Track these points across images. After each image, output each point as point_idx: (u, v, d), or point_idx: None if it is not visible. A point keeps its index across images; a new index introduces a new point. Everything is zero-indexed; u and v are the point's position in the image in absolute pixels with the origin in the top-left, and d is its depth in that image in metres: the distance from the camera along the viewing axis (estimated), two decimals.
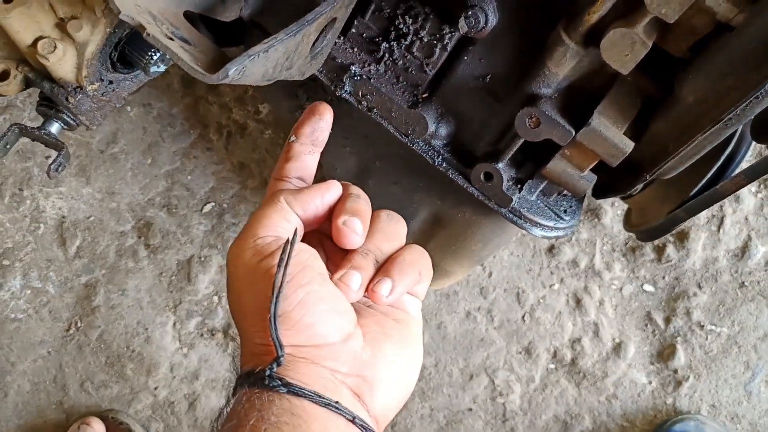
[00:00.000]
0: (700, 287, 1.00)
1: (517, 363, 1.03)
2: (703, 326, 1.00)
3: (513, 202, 0.67)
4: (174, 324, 1.06)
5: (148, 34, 0.44)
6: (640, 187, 0.68)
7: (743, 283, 1.00)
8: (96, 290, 1.06)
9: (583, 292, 1.02)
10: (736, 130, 0.67)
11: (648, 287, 1.02)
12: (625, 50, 0.55)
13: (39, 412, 1.07)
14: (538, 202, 0.70)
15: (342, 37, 0.68)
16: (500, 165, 0.66)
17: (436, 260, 0.80)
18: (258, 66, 0.49)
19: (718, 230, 0.99)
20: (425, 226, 0.78)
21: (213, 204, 1.04)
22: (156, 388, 1.06)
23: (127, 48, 0.68)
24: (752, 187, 0.99)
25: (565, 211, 0.71)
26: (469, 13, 0.60)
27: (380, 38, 0.67)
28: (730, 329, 1.00)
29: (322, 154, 0.82)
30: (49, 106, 0.72)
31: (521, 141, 0.64)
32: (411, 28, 0.65)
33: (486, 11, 0.60)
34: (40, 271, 1.07)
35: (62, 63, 0.62)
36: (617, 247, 1.02)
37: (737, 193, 1.02)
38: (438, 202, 0.75)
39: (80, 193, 1.04)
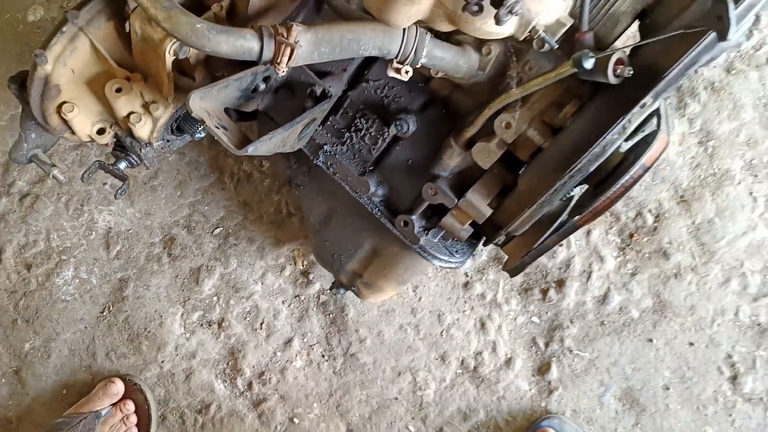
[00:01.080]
0: (572, 322, 1.28)
1: (434, 366, 1.29)
2: (572, 351, 1.28)
3: (421, 242, 0.96)
4: (182, 314, 1.29)
5: (205, 125, 0.75)
6: (503, 238, 0.98)
7: (603, 321, 1.28)
8: (127, 284, 1.29)
9: (487, 318, 1.29)
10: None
11: (535, 319, 1.30)
12: (485, 155, 0.87)
13: (72, 372, 1.28)
14: (439, 243, 0.99)
15: (321, 126, 0.99)
16: (414, 216, 0.95)
17: (374, 279, 1.09)
18: (264, 146, 0.80)
19: (587, 281, 1.28)
20: (367, 255, 1.06)
21: (221, 228, 1.28)
22: (162, 362, 1.28)
23: (182, 122, 0.97)
24: (613, 252, 1.28)
25: (456, 251, 1.01)
26: (398, 122, 0.91)
27: (345, 129, 0.98)
28: (591, 355, 1.27)
29: (302, 201, 1.12)
30: (121, 151, 1.00)
31: (426, 203, 0.94)
32: (364, 126, 0.96)
33: (408, 122, 0.91)
34: (87, 266, 1.29)
35: (142, 128, 0.91)
36: (515, 287, 1.30)
37: (601, 255, 1.31)
38: (376, 239, 1.02)
39: (125, 212, 1.30)
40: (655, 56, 0.72)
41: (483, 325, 1.28)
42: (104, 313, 1.31)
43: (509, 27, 0.67)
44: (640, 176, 0.79)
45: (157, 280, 1.30)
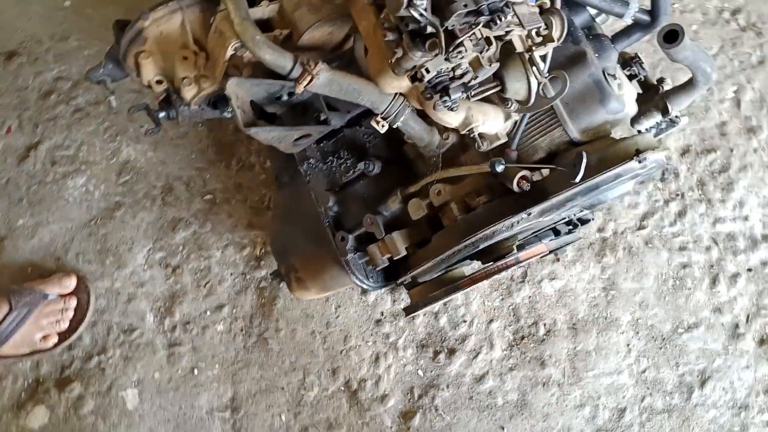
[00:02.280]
0: (447, 387, 1.43)
1: (324, 376, 1.41)
2: (437, 410, 1.40)
3: (348, 257, 1.16)
4: (149, 249, 1.43)
5: (230, 104, 1.00)
6: (409, 279, 1.18)
7: (471, 396, 1.43)
8: (120, 208, 1.44)
9: (383, 355, 1.41)
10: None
11: (420, 372, 1.44)
12: (416, 209, 1.08)
13: (43, 257, 1.42)
14: (361, 265, 1.17)
15: (315, 144, 1.22)
16: (350, 236, 1.16)
17: (305, 277, 1.27)
18: (264, 134, 1.03)
19: (473, 359, 1.45)
20: (307, 255, 1.18)
21: (211, 196, 1.45)
22: (116, 279, 1.41)
23: (219, 100, 1.21)
24: (503, 345, 1.47)
25: (371, 277, 1.19)
26: (368, 162, 1.15)
27: (330, 154, 1.20)
28: (451, 419, 1.37)
29: (279, 194, 1.34)
30: (165, 104, 1.24)
31: (362, 229, 1.16)
32: (345, 157, 1.18)
33: (375, 165, 1.14)
34: (97, 181, 1.44)
35: (189, 91, 1.13)
36: (416, 340, 1.47)
37: (493, 343, 1.51)
38: (318, 245, 1.16)
39: (146, 154, 1.47)
40: (549, 183, 0.96)
41: (377, 359, 1.46)
42: (91, 223, 1.49)
43: (455, 120, 0.93)
44: (512, 265, 1.01)
45: (143, 215, 1.48)
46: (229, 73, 1.15)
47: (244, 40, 0.92)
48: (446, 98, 0.78)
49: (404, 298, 1.45)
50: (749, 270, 1.46)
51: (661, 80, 1.08)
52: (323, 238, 1.17)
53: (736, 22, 1.56)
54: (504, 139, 0.99)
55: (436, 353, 1.44)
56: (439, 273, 1.12)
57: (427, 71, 0.73)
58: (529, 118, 0.98)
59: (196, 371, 1.44)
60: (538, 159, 0.98)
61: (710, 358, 1.42)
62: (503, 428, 1.40)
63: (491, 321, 1.45)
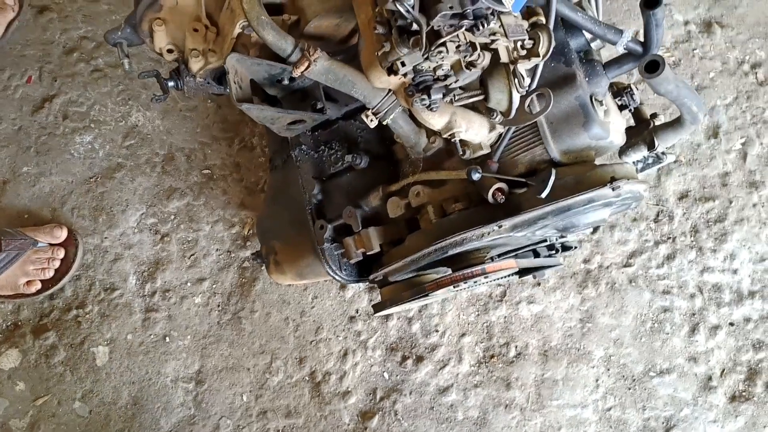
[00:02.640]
0: (410, 393, 1.44)
1: (291, 363, 1.45)
2: (397, 414, 1.42)
3: (324, 246, 1.19)
4: (142, 214, 1.46)
5: (227, 76, 1.04)
6: (381, 277, 1.19)
7: (433, 407, 1.44)
8: (120, 169, 1.48)
9: (352, 352, 1.44)
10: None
11: (385, 375, 1.46)
12: (394, 207, 1.09)
13: (40, 206, 1.45)
14: (336, 256, 1.19)
15: (309, 132, 1.26)
16: (330, 225, 1.18)
17: (283, 260, 1.29)
18: (256, 112, 1.06)
19: (440, 370, 1.46)
20: (288, 240, 1.22)
21: (210, 171, 1.49)
22: (105, 238, 1.46)
23: (224, 76, 1.27)
24: (472, 360, 1.48)
25: (345, 270, 1.22)
26: (356, 155, 1.17)
27: (322, 143, 1.23)
28: (408, 426, 1.39)
29: (271, 178, 1.37)
30: (175, 74, 1.29)
31: (341, 221, 1.18)
32: (336, 147, 1.21)
33: (363, 159, 1.16)
34: (103, 141, 1.47)
35: (196, 63, 1.19)
36: (386, 342, 1.49)
37: (462, 357, 1.51)
38: (298, 232, 1.20)
39: (154, 121, 1.51)
40: (523, 199, 0.97)
41: (345, 355, 1.47)
42: (91, 180, 1.54)
43: (437, 123, 0.94)
44: (478, 275, 1.02)
45: (142, 180, 1.53)
46: (236, 50, 1.18)
47: (250, 18, 0.96)
48: (425, 97, 0.80)
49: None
50: (731, 324, 1.44)
51: (654, 115, 1.08)
52: (305, 224, 1.19)
53: (754, 76, 1.55)
54: (487, 150, 1.00)
55: (404, 358, 1.45)
56: (411, 275, 1.13)
57: (403, 65, 0.75)
58: (514, 132, 0.99)
59: (167, 339, 1.47)
60: (517, 174, 0.99)
61: (678, 406, 1.40)
62: None
63: (463, 335, 1.46)
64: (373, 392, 1.40)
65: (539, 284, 1.48)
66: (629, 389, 1.42)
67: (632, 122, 1.10)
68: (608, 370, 1.42)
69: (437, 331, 1.44)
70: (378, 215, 1.15)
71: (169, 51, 1.21)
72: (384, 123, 1.01)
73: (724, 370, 1.42)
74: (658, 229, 1.50)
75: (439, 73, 0.80)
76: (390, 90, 0.97)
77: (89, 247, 1.45)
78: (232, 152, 1.52)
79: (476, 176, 0.93)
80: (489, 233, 0.97)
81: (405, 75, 0.84)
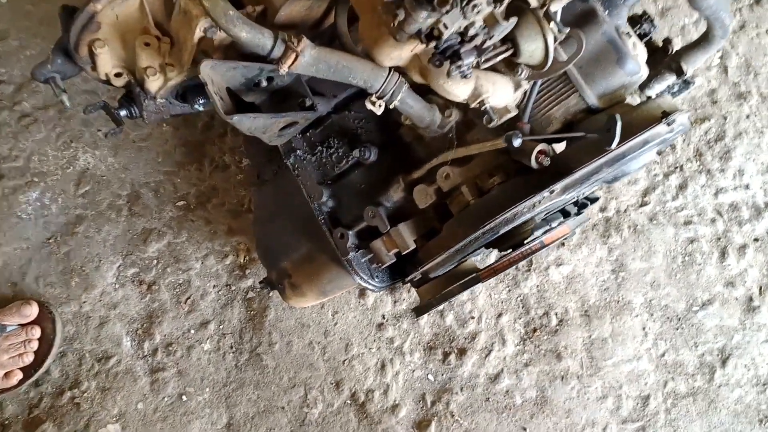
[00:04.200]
0: (461, 390, 1.36)
1: (327, 390, 1.34)
2: (453, 416, 1.33)
3: (350, 256, 1.08)
4: (119, 266, 1.34)
5: (206, 90, 0.90)
6: (419, 276, 1.10)
7: (488, 398, 1.36)
8: (82, 222, 1.33)
9: (389, 362, 1.34)
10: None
11: (430, 377, 1.38)
12: (422, 196, 1.00)
13: None
14: (364, 264, 1.10)
15: (300, 135, 1.13)
16: (350, 232, 1.08)
17: (300, 282, 1.19)
18: (247, 122, 0.94)
19: (485, 358, 1.39)
20: (301, 258, 1.14)
21: (185, 202, 1.36)
22: (84, 302, 1.31)
23: (188, 91, 1.12)
24: (515, 339, 1.41)
25: (377, 277, 1.12)
26: (362, 148, 1.06)
27: (318, 143, 1.12)
28: (469, 425, 1.33)
29: (261, 192, 1.25)
30: (126, 100, 1.14)
31: (363, 224, 1.08)
32: (335, 145, 1.10)
33: (371, 152, 1.06)
34: (53, 194, 1.34)
35: (154, 82, 1.04)
36: (422, 342, 1.40)
37: (504, 339, 1.44)
38: (312, 246, 1.09)
39: (106, 159, 1.37)
40: (569, 156, 0.89)
41: (383, 366, 1.37)
42: (50, 241, 1.38)
43: (463, 92, 0.85)
44: (537, 250, 0.94)
45: (109, 228, 1.38)
46: (197, 60, 1.04)
47: (215, 17, 0.82)
48: (460, 63, 0.70)
49: (406, 298, 1.37)
50: (756, 240, 1.43)
51: (667, 41, 1.02)
52: (318, 236, 1.09)
53: None
54: (514, 112, 0.91)
55: (446, 354, 1.36)
56: (452, 266, 1.04)
57: (446, 27, 0.65)
58: (540, 86, 0.91)
59: (184, 397, 1.33)
60: (554, 131, 0.91)
61: (728, 334, 1.38)
62: (525, 429, 1.33)
63: (500, 315, 1.38)
64: (423, 398, 1.31)
65: (563, 244, 1.42)
66: (677, 329, 1.38)
67: None
68: (652, 315, 1.38)
69: (473, 317, 1.37)
70: (402, 209, 1.05)
71: (118, 75, 1.06)
72: (391, 107, 0.90)
73: (761, 288, 1.41)
74: (663, 161, 1.46)
75: (471, 32, 0.70)
76: (391, 70, 0.87)
77: (68, 317, 1.30)
78: (204, 176, 1.38)
79: (517, 141, 0.85)
80: (540, 201, 0.88)
81: (426, 43, 0.74)
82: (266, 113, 0.96)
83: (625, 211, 1.43)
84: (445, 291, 1.04)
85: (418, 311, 1.10)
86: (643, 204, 1.42)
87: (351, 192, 1.08)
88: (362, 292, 1.36)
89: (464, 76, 0.75)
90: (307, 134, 1.11)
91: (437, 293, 1.07)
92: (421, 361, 1.35)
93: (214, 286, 1.36)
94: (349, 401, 1.33)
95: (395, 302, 1.38)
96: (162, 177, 1.40)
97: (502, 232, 0.92)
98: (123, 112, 1.07)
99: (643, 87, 1.05)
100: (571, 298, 1.39)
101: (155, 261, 1.37)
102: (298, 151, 1.10)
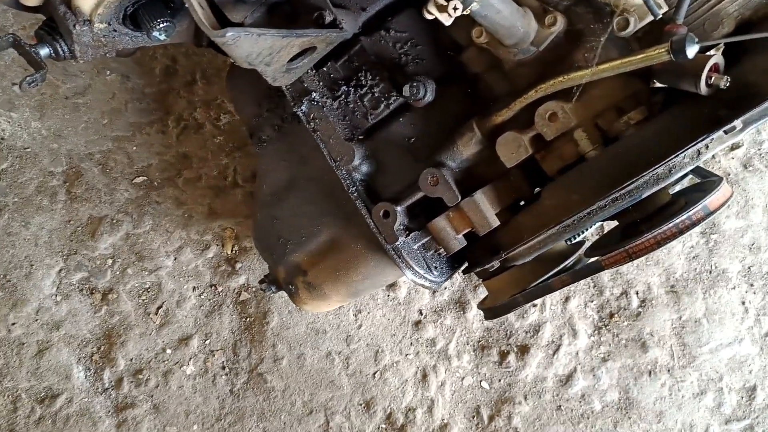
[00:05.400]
0: (525, 398, 1.12)
1: (355, 413, 1.08)
2: (518, 431, 1.11)
3: (398, 242, 0.78)
4: (60, 270, 1.06)
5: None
6: (497, 264, 0.81)
7: (560, 406, 1.12)
8: (1, 214, 1.06)
9: (431, 369, 1.11)
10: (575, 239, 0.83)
11: (485, 384, 1.12)
12: (512, 149, 0.71)
13: None
14: (418, 252, 0.81)
15: (314, 70, 0.82)
16: (398, 208, 0.78)
17: (320, 281, 0.89)
18: (248, 43, 0.61)
19: (553, 355, 1.13)
20: (322, 248, 0.86)
21: (145, 178, 1.09)
22: (13, 324, 1.04)
23: (142, 10, 0.78)
24: (589, 329, 1.15)
25: (436, 268, 0.83)
26: (414, 83, 0.75)
27: (343, 82, 0.81)
28: None
29: (260, 162, 0.92)
30: (48, 32, 0.79)
31: (420, 194, 0.77)
32: (369, 83, 0.80)
33: (426, 87, 0.75)
34: None
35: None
36: (471, 341, 1.13)
37: (575, 329, 1.18)
38: (339, 230, 0.84)
39: (29, 125, 1.07)
40: (757, 73, 0.59)
41: (425, 376, 1.12)
42: None
43: None
44: (700, 220, 0.65)
45: (41, 219, 1.10)
46: None
47: None
48: None
49: (448, 287, 1.11)
50: None
51: None
52: (348, 216, 0.83)
53: None
54: (662, 9, 0.60)
55: (503, 355, 1.12)
56: (545, 250, 0.75)
57: None
58: None
59: None
60: (725, 34, 0.61)
61: None
62: None
63: (567, 299, 1.17)
64: (477, 413, 1.11)
65: None
66: None
67: None
68: (752, 285, 1.16)
69: (534, 305, 1.10)
70: (475, 171, 0.78)
71: None
72: (467, 11, 0.60)
73: None
74: None
75: None
76: None
77: None
78: (169, 141, 1.07)
79: (692, 49, 0.56)
80: (708, 146, 0.59)
81: None
82: (274, 29, 0.62)
83: (713, 157, 1.19)
84: (539, 284, 0.75)
85: (496, 312, 0.82)
86: (734, 147, 1.19)
87: (394, 150, 0.82)
88: (392, 284, 1.06)
89: None
90: (325, 69, 0.80)
91: (521, 287, 0.79)
92: (471, 365, 1.14)
93: (194, 289, 1.12)
94: (383, 425, 1.13)
95: (434, 292, 1.09)
96: (111, 145, 1.13)
97: (645, 195, 0.62)
98: (44, 50, 0.77)
99: None
100: (654, 271, 1.16)
101: (110, 260, 1.10)
102: (314, 95, 0.79)
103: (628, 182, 0.62)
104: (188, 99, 1.12)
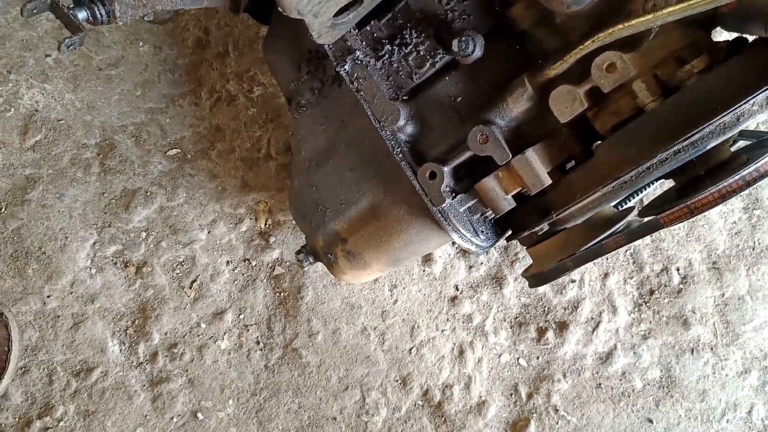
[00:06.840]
0: (564, 376, 1.09)
1: (392, 389, 1.06)
2: (557, 410, 1.07)
3: (445, 204, 0.76)
4: (94, 243, 1.05)
5: None
6: (545, 227, 0.79)
7: (600, 384, 1.09)
8: (35, 185, 1.04)
9: (468, 346, 1.08)
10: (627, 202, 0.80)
11: (522, 362, 1.09)
12: (566, 103, 0.69)
13: None
14: (464, 215, 0.79)
15: (357, 30, 0.79)
16: (445, 169, 0.76)
17: (361, 248, 0.87)
18: None
19: (593, 332, 1.10)
20: (363, 215, 0.84)
21: (179, 150, 1.07)
22: (49, 296, 1.02)
23: None
24: (629, 306, 1.12)
25: (483, 232, 0.81)
26: (462, 38, 0.73)
27: (386, 41, 0.79)
28: (579, 420, 1.07)
29: (299, 128, 0.90)
30: None
31: (469, 154, 0.75)
32: (413, 41, 0.77)
33: (475, 42, 0.72)
34: None
35: None
36: (509, 317, 1.10)
37: (614, 305, 1.15)
38: (381, 195, 0.81)
39: (63, 97, 1.06)
40: None
41: (462, 353, 1.08)
42: None
43: None
44: (765, 175, 0.62)
45: (75, 192, 1.07)
46: None
47: None
48: None
49: (484, 262, 1.08)
50: None
51: None
52: (391, 179, 0.81)
53: None
54: None
55: (541, 331, 1.08)
56: (598, 209, 0.72)
57: None
58: None
59: (200, 415, 1.02)
60: None
61: None
62: (651, 420, 1.04)
63: (606, 275, 1.11)
64: (515, 390, 1.05)
65: None
66: None
67: None
68: None
69: (572, 281, 1.07)
70: (525, 129, 0.73)
71: None
72: None
73: None
74: None
75: None
76: None
77: (27, 319, 1.01)
78: (203, 113, 1.04)
79: None
80: None
81: None
82: None
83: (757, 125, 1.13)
84: (591, 246, 0.72)
85: (544, 277, 0.79)
86: None
87: (440, 110, 0.79)
88: (427, 257, 1.03)
89: None
90: (368, 28, 0.77)
91: (569, 251, 0.75)
92: (509, 342, 1.11)
93: (228, 263, 1.05)
94: (420, 402, 1.05)
95: (470, 267, 1.06)
96: (144, 117, 1.08)
97: (710, 146, 0.60)
98: (82, 14, 0.75)
99: None
100: (695, 247, 1.13)
101: (144, 233, 1.06)
102: (357, 53, 0.77)
103: (693, 131, 0.59)
104: (220, 71, 1.09)
